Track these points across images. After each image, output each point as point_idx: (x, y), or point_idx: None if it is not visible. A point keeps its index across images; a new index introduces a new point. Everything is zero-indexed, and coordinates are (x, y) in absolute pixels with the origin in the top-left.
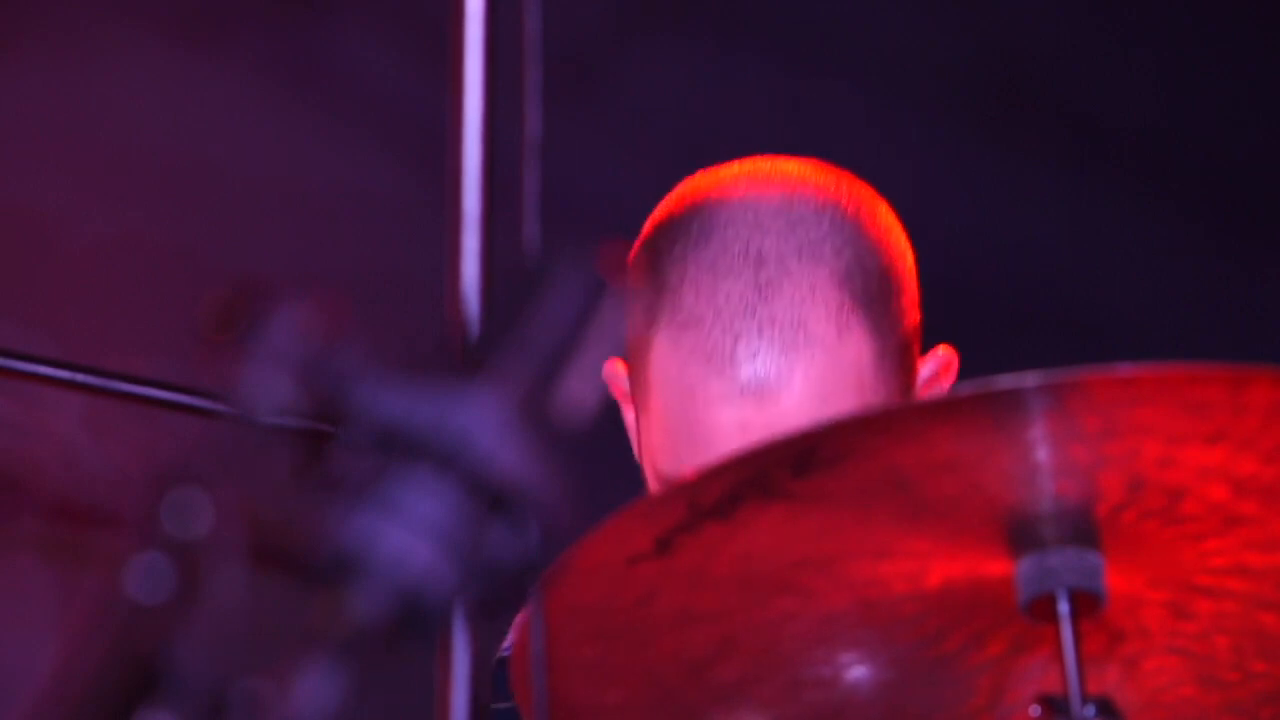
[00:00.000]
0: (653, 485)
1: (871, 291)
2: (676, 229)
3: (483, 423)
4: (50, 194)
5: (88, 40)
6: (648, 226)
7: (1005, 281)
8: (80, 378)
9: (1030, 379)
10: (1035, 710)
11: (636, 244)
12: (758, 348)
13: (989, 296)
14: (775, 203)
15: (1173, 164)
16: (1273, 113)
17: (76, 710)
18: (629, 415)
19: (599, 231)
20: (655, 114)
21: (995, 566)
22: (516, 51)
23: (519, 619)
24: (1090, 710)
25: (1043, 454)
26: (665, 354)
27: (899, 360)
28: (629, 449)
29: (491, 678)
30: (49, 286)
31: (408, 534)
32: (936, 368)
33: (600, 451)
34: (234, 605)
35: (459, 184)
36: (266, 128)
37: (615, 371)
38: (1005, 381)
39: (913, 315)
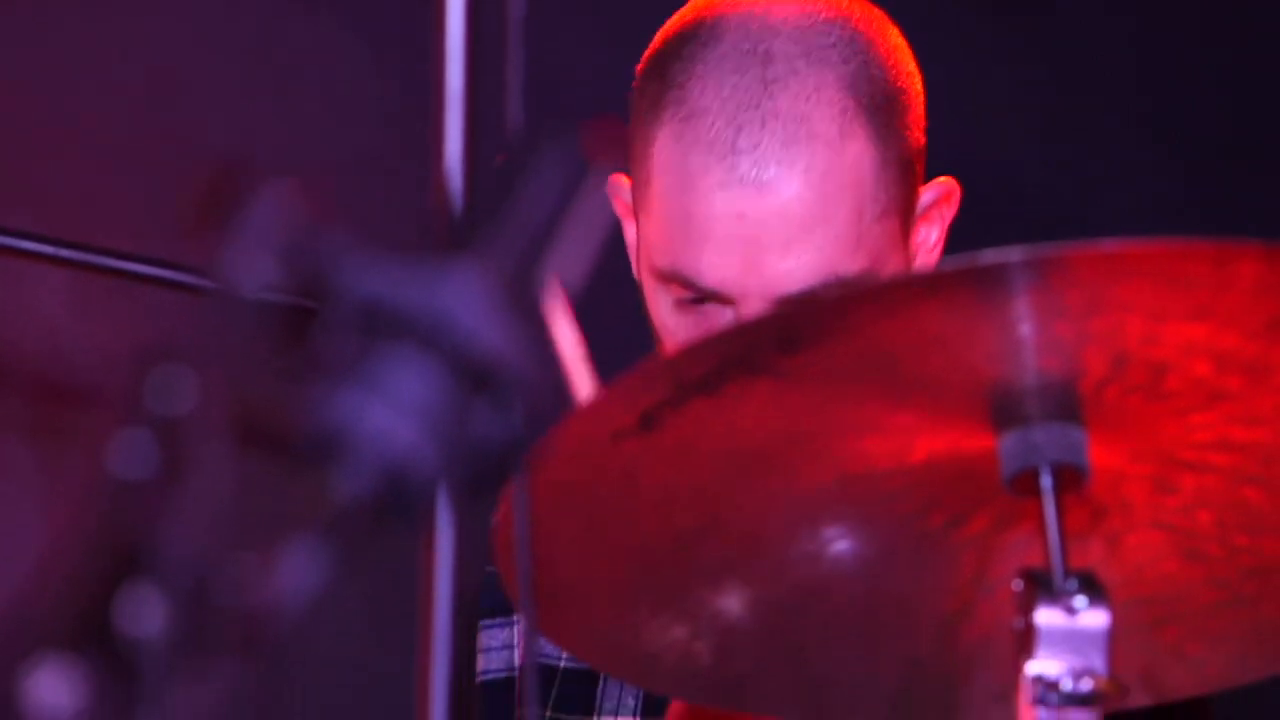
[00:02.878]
0: (650, 300)
1: (877, 101)
2: (685, 35)
3: (466, 301)
4: (33, 72)
5: None
6: (657, 38)
7: (991, 170)
8: (64, 253)
9: (1014, 254)
10: (1018, 585)
11: (646, 54)
12: (759, 139)
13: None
14: (786, 13)
15: (1162, 59)
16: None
17: (62, 589)
18: (629, 231)
19: (584, 110)
20: None
21: (979, 442)
22: None
23: (504, 496)
24: (1073, 585)
25: (1026, 329)
26: (668, 147)
27: (900, 175)
28: (615, 326)
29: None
30: (32, 163)
31: (391, 413)
32: (937, 195)
33: (584, 329)
34: (218, 483)
35: (442, 62)
36: (251, 8)
37: (618, 184)
38: (989, 256)
39: (917, 136)
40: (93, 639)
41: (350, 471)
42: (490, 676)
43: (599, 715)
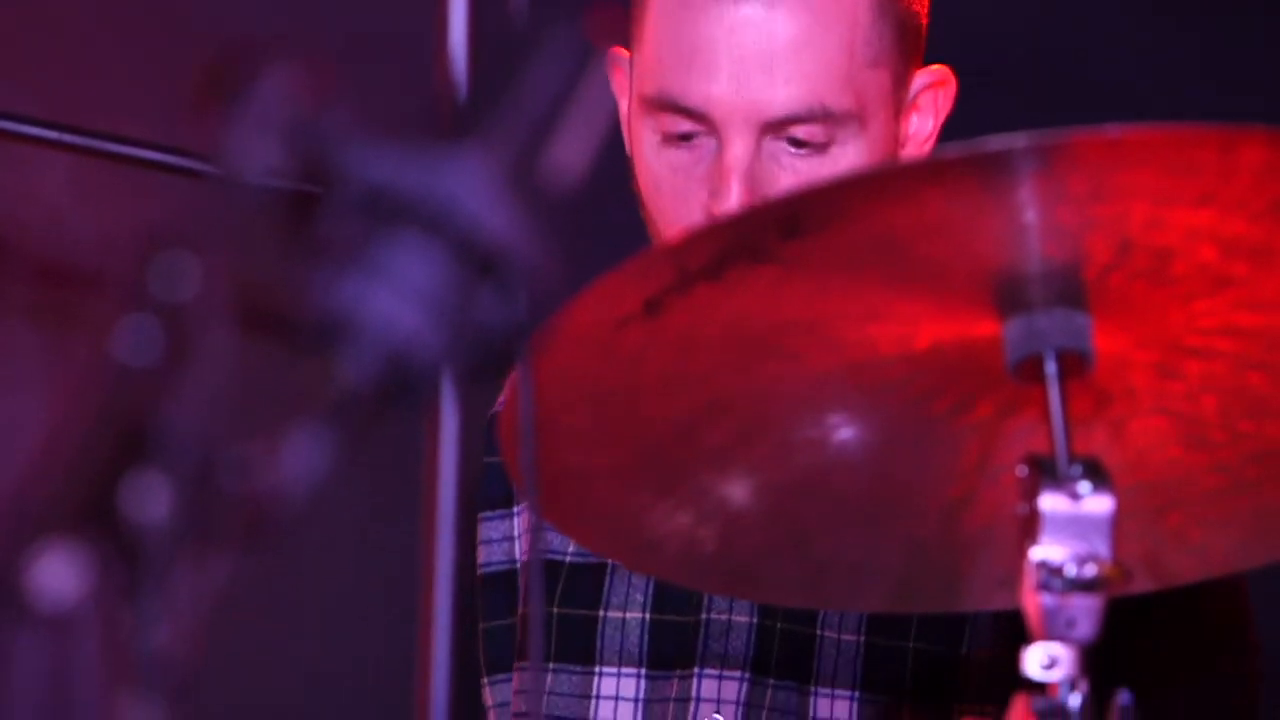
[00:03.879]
0: (635, 147)
1: None
2: None
3: (471, 186)
4: None
5: None
6: None
7: (995, 42)
8: (67, 138)
9: (1018, 140)
10: (1022, 471)
11: None
12: None
13: (978, 58)
14: None
15: None
16: None
17: (66, 474)
18: (623, 106)
19: None
20: None
21: (983, 328)
22: None
23: (508, 381)
24: (1077, 470)
25: (1031, 216)
26: None
27: (896, 32)
28: (619, 212)
29: (483, 435)
30: (35, 47)
31: (395, 298)
32: (932, 80)
33: (588, 216)
34: (221, 369)
35: None
36: None
37: (616, 57)
38: (994, 143)
39: (919, 9)
40: (97, 524)
41: (354, 357)
42: (491, 569)
43: (606, 610)
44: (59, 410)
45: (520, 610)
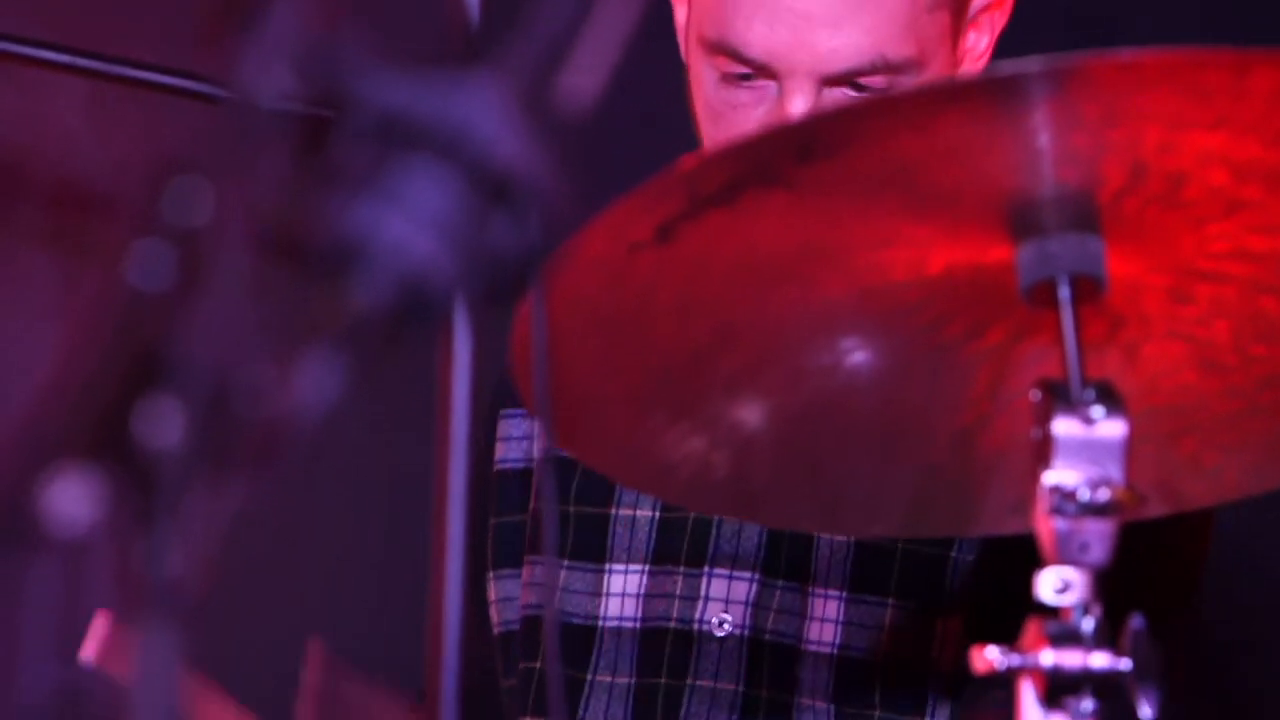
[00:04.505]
0: (694, 77)
1: None
2: None
3: (484, 111)
4: None
5: None
6: None
7: None
8: (81, 62)
9: (1031, 64)
10: (1035, 395)
11: None
12: None
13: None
14: None
15: None
16: None
17: (79, 399)
18: (680, 13)
19: None
20: None
21: (996, 253)
22: None
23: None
24: (1090, 394)
25: (1044, 140)
26: None
27: None
28: (631, 137)
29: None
30: None
31: (408, 223)
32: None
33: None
34: (235, 294)
35: None
36: None
37: None
38: (1007, 67)
39: None
40: (110, 450)
41: (367, 282)
42: (508, 466)
43: (618, 508)
44: (72, 336)
45: (532, 506)
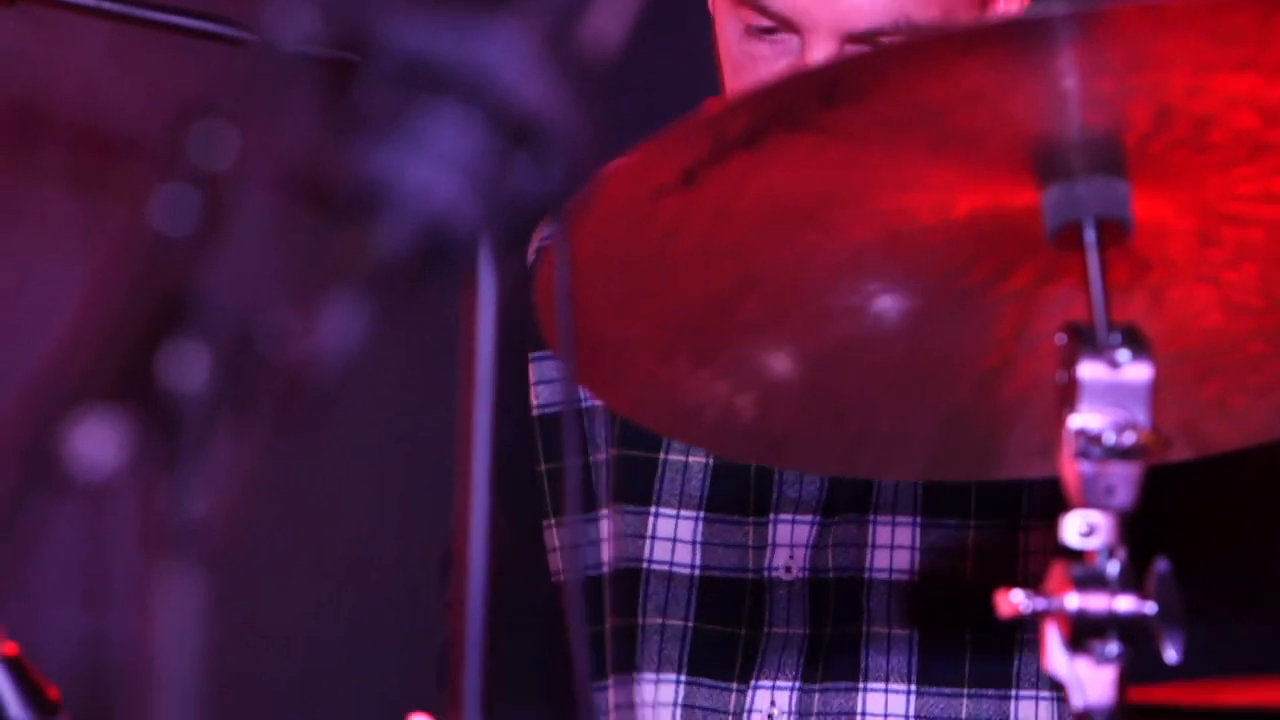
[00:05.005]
0: (720, 28)
1: None
2: None
3: (508, 56)
4: None
5: None
6: None
7: None
8: (105, 5)
9: (1057, 8)
10: (1061, 338)
11: None
12: None
13: None
14: None
15: None
16: None
17: (104, 343)
18: None
19: None
20: None
21: (1022, 196)
22: None
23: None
24: (1117, 338)
25: (1070, 84)
26: None
27: None
28: (655, 82)
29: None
30: None
31: (432, 167)
32: None
33: (625, 85)
34: (259, 238)
35: None
36: None
37: None
38: (1033, 11)
39: None
40: (134, 393)
41: (391, 226)
42: (551, 410)
43: (667, 453)
44: (96, 279)
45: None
